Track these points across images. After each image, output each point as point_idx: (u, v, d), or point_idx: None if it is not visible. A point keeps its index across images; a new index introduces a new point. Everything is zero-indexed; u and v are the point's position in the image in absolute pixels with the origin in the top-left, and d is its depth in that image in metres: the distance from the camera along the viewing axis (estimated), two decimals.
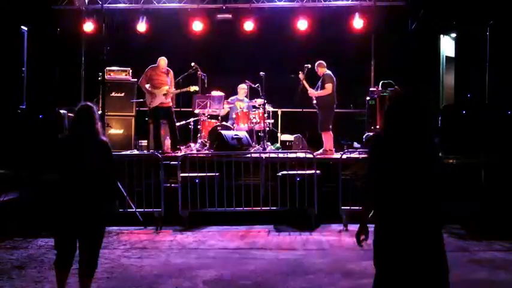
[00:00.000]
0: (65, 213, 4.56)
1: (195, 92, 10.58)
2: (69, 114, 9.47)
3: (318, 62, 10.06)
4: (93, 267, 4.67)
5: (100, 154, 4.64)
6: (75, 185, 4.54)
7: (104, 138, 4.77)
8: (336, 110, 10.58)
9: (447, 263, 3.54)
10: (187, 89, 10.42)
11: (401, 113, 3.60)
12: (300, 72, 10.08)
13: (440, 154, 3.72)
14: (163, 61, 10.32)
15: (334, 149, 9.98)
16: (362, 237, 3.67)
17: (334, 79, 9.90)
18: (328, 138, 9.92)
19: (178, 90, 10.42)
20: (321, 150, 9.78)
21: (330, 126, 9.94)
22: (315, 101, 10.06)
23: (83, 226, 4.57)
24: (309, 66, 10.08)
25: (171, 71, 10.43)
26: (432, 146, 3.60)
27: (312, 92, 9.99)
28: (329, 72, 9.97)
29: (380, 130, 3.83)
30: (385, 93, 10.34)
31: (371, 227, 3.66)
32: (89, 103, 4.78)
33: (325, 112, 9.93)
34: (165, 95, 10.16)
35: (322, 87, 9.91)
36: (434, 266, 3.49)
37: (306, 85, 10.08)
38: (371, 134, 10.14)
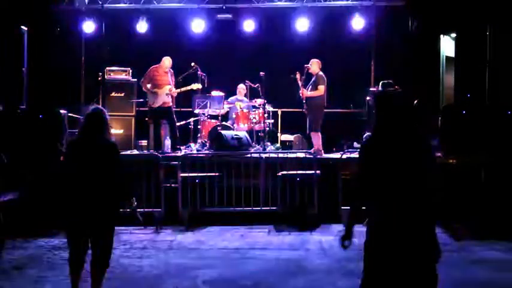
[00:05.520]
0: (76, 212, 4.62)
1: (198, 89, 10.56)
2: (69, 114, 9.46)
3: (315, 60, 10.04)
4: (105, 265, 4.75)
5: (108, 156, 4.70)
6: (85, 185, 4.61)
7: (113, 141, 4.85)
8: (336, 110, 10.54)
9: (436, 269, 3.50)
10: (190, 87, 10.42)
11: (383, 110, 3.59)
12: (298, 72, 10.08)
13: (433, 151, 3.69)
14: (168, 61, 10.30)
15: (323, 150, 9.96)
16: (346, 242, 3.64)
17: (326, 80, 9.91)
18: (317, 139, 9.90)
19: (179, 90, 10.40)
20: (312, 150, 9.75)
21: (320, 127, 9.93)
22: (304, 101, 10.06)
23: (94, 225, 4.64)
24: (309, 66, 10.08)
25: (173, 72, 10.43)
26: (423, 142, 3.57)
27: (305, 92, 9.99)
28: (322, 73, 9.98)
29: (372, 131, 3.81)
30: None
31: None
32: (100, 107, 4.88)
33: (315, 113, 9.91)
34: (167, 94, 10.15)
35: (315, 88, 9.90)
36: (424, 270, 3.46)
37: (301, 85, 10.07)
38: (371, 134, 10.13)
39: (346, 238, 3.65)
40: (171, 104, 10.34)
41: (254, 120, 10.62)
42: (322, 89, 9.84)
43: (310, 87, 10.00)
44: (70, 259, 4.73)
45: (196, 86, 10.45)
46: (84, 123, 4.81)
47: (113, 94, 11.03)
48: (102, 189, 4.62)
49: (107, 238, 4.74)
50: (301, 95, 10.04)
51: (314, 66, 10.02)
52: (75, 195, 4.62)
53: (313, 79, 10.02)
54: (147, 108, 10.63)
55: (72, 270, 4.72)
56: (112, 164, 4.69)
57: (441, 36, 11.23)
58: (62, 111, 9.44)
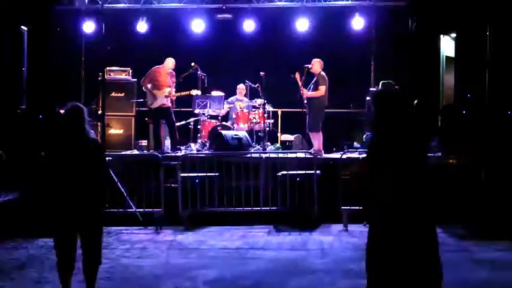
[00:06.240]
0: (61, 213, 4.59)
1: (196, 95, 10.58)
2: None
3: (316, 60, 10.01)
4: (97, 263, 4.71)
5: (90, 153, 4.66)
6: (68, 184, 4.57)
7: (94, 137, 4.81)
8: (336, 110, 10.52)
9: (441, 267, 3.50)
10: (189, 92, 10.42)
11: (383, 109, 3.60)
12: (297, 72, 10.06)
13: (426, 151, 3.70)
14: (171, 62, 10.28)
15: (323, 150, 9.94)
16: None
17: (327, 81, 9.89)
18: (318, 139, 9.88)
19: (179, 94, 10.41)
20: (311, 151, 9.75)
21: (320, 127, 9.91)
22: (305, 101, 10.05)
23: (80, 224, 4.61)
24: (309, 66, 10.06)
25: (174, 74, 10.42)
26: (423, 144, 3.58)
27: (305, 93, 9.98)
28: (323, 73, 9.96)
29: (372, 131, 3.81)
30: None
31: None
32: (76, 103, 4.81)
33: (316, 113, 9.88)
34: (166, 97, 10.14)
35: (316, 88, 9.88)
36: (428, 270, 3.46)
37: (301, 85, 10.05)
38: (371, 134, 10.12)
39: None
40: (169, 105, 10.31)
41: (254, 120, 10.62)
42: (323, 89, 9.82)
43: (312, 87, 9.98)
44: (59, 262, 4.64)
45: (195, 92, 10.47)
46: (63, 121, 4.74)
47: (113, 94, 11.03)
48: (87, 187, 4.57)
49: (95, 236, 4.69)
50: (301, 95, 10.03)
51: (316, 65, 9.99)
52: (60, 194, 4.58)
53: (314, 79, 10.00)
54: (147, 108, 10.63)
55: (62, 274, 4.63)
56: (96, 161, 4.66)
57: (441, 36, 11.22)
58: (61, 111, 9.44)
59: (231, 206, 8.38)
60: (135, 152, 10.44)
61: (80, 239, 4.67)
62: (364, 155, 3.71)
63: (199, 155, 9.41)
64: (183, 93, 10.42)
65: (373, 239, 3.54)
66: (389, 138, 3.53)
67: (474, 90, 9.65)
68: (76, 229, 4.64)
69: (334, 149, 10.54)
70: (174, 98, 10.42)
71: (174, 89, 10.34)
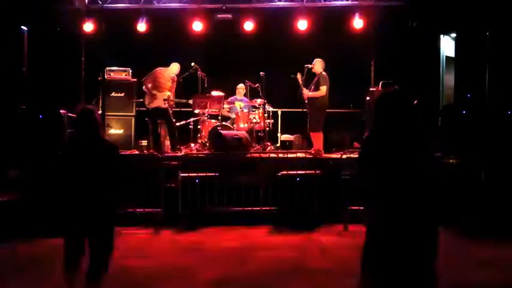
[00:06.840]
0: (73, 215, 4.58)
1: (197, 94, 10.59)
2: (69, 114, 9.47)
3: (318, 60, 9.99)
4: (103, 271, 4.68)
5: (105, 156, 4.64)
6: (81, 186, 4.55)
7: (109, 141, 4.81)
8: (336, 110, 10.50)
9: (437, 270, 3.50)
10: (187, 101, 10.45)
11: (385, 109, 3.59)
12: (298, 73, 10.05)
13: (432, 152, 3.69)
14: (176, 67, 10.26)
15: (323, 150, 9.93)
16: None
17: (328, 81, 9.87)
18: (319, 139, 9.88)
19: (178, 100, 10.42)
20: (311, 151, 9.75)
21: (321, 127, 9.91)
22: (306, 101, 10.05)
23: (91, 228, 4.60)
24: (309, 66, 10.06)
25: (176, 79, 10.40)
26: (424, 143, 3.57)
27: (306, 93, 9.97)
28: (325, 73, 9.94)
29: (371, 129, 3.81)
30: None
31: None
32: (89, 106, 4.83)
33: (317, 113, 9.87)
34: (165, 100, 10.12)
35: (317, 89, 9.87)
36: (424, 271, 3.46)
37: (301, 85, 10.05)
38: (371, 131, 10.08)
39: None
40: (166, 106, 10.26)
41: (254, 120, 10.62)
42: (324, 89, 9.80)
43: (313, 87, 9.97)
44: (65, 262, 4.63)
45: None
46: (79, 123, 4.71)
47: (113, 94, 11.03)
48: (100, 190, 4.55)
49: (105, 241, 4.67)
50: (302, 95, 10.02)
51: (317, 65, 9.97)
52: (73, 195, 4.57)
53: (315, 79, 9.99)
54: (146, 108, 10.62)
55: (68, 273, 4.62)
56: (112, 165, 4.63)
57: (441, 36, 11.23)
58: (62, 111, 9.44)
59: (231, 206, 8.38)
60: (135, 152, 10.44)
61: (89, 245, 4.63)
62: (359, 151, 3.69)
63: (199, 155, 9.41)
64: (182, 101, 10.44)
65: (372, 239, 3.54)
66: (390, 138, 3.53)
67: (474, 90, 9.65)
68: (86, 232, 4.61)
69: (334, 149, 10.54)
70: (173, 103, 10.40)
71: (173, 92, 10.31)
